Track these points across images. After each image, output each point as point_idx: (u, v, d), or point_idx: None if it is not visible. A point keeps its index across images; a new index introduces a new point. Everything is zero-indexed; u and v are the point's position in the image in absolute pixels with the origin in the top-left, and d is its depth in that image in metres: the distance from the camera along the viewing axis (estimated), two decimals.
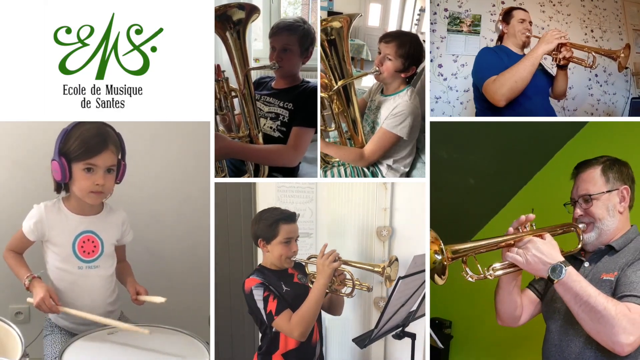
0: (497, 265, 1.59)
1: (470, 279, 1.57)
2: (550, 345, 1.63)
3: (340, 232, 2.25)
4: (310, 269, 1.88)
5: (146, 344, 1.77)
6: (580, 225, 1.64)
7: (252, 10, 1.95)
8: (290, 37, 2.05)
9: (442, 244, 1.53)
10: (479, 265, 1.58)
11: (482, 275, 1.58)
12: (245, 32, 1.96)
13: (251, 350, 2.29)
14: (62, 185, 1.91)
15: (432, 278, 1.55)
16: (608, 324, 1.40)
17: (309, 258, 1.88)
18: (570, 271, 1.46)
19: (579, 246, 1.63)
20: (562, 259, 1.49)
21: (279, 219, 1.83)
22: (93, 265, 1.92)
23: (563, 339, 1.59)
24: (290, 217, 1.85)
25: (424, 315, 1.90)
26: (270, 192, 2.19)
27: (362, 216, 2.23)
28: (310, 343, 1.86)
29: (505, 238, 1.59)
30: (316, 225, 2.23)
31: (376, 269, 1.80)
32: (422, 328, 1.97)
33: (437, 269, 1.53)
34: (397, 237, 2.23)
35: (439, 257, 1.53)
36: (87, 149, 1.81)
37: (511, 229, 1.61)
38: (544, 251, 1.50)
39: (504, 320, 1.73)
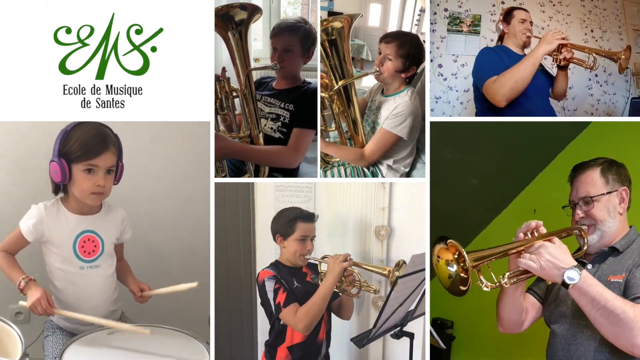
0: (509, 272, 1.56)
1: (485, 288, 1.52)
2: (556, 349, 1.61)
3: (338, 231, 2.25)
4: (323, 268, 1.92)
5: (146, 344, 1.77)
6: (583, 228, 1.62)
7: (254, 11, 1.95)
8: (292, 38, 2.05)
9: (462, 251, 1.47)
10: (492, 274, 1.54)
11: (497, 284, 1.53)
12: (247, 33, 1.96)
13: (250, 350, 2.29)
14: (61, 187, 1.90)
15: (455, 290, 1.50)
16: (627, 327, 1.38)
17: (322, 257, 1.93)
18: (585, 275, 1.43)
19: (585, 248, 1.61)
20: (575, 262, 1.46)
21: (297, 217, 1.91)
22: (94, 265, 1.92)
23: (571, 342, 1.56)
24: (308, 217, 1.93)
25: (422, 314, 1.90)
26: (268, 191, 2.20)
27: (361, 216, 2.23)
28: (316, 340, 1.91)
29: (517, 244, 1.55)
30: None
31: (384, 272, 1.85)
32: (420, 327, 1.96)
33: (460, 280, 1.48)
34: (396, 237, 2.23)
35: (455, 268, 1.48)
36: (88, 149, 1.80)
37: (521, 235, 1.58)
38: (557, 256, 1.46)
39: (507, 327, 1.71)
